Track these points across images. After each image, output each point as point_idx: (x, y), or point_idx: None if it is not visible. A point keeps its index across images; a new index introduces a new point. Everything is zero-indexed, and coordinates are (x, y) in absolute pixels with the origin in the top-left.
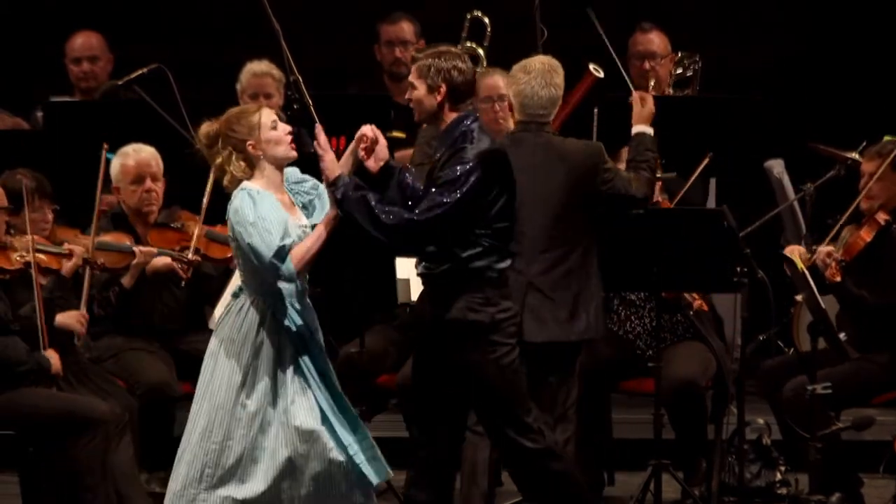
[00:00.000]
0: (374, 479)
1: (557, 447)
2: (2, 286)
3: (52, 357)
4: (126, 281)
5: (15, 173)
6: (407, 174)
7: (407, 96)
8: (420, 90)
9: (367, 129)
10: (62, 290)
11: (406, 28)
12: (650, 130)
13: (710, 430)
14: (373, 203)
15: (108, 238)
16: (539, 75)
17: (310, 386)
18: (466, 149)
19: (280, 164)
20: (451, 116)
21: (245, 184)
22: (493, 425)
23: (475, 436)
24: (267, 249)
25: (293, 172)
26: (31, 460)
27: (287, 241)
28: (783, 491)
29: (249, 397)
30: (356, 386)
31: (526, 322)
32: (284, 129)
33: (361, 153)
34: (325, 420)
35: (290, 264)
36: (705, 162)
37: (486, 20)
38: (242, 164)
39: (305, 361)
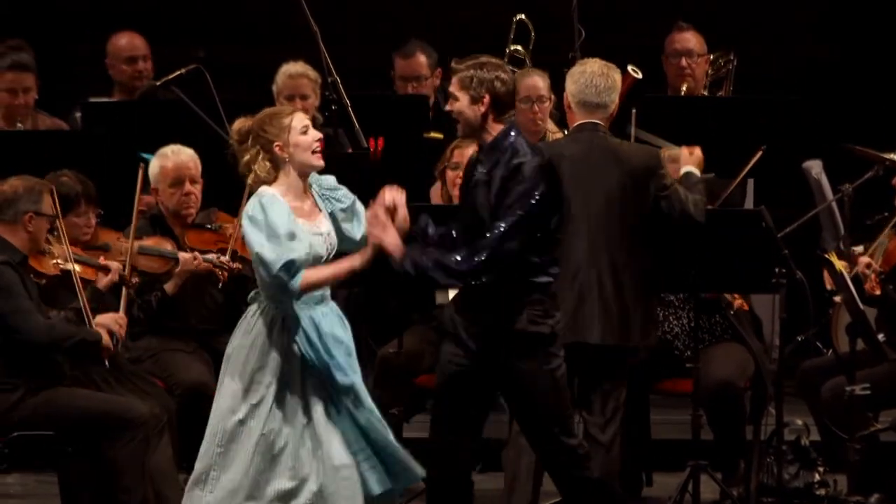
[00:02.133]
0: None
1: (603, 451)
2: (41, 291)
3: (102, 332)
4: (169, 288)
5: (60, 175)
6: (428, 226)
7: (448, 107)
8: (462, 101)
9: (389, 198)
10: (97, 302)
11: (421, 61)
12: (698, 172)
13: (749, 430)
14: (444, 261)
15: (149, 242)
16: (598, 76)
17: (329, 414)
18: (523, 165)
19: (304, 171)
20: (496, 128)
21: (262, 189)
22: (539, 432)
23: (521, 439)
24: (275, 261)
25: (328, 180)
26: (71, 461)
27: (294, 256)
28: (822, 492)
29: (251, 410)
30: (394, 387)
31: (583, 324)
32: (315, 136)
33: (385, 218)
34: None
35: (297, 282)
36: (757, 156)
37: (530, 24)
38: (268, 164)
39: (317, 374)
